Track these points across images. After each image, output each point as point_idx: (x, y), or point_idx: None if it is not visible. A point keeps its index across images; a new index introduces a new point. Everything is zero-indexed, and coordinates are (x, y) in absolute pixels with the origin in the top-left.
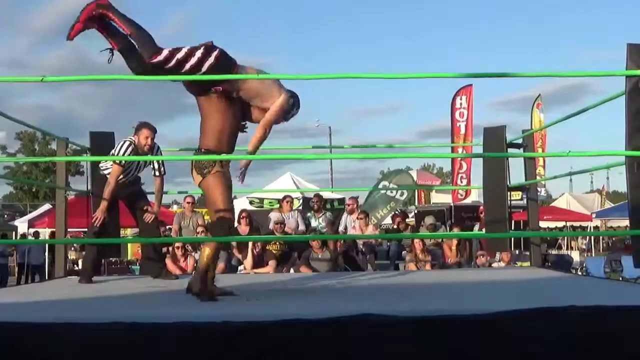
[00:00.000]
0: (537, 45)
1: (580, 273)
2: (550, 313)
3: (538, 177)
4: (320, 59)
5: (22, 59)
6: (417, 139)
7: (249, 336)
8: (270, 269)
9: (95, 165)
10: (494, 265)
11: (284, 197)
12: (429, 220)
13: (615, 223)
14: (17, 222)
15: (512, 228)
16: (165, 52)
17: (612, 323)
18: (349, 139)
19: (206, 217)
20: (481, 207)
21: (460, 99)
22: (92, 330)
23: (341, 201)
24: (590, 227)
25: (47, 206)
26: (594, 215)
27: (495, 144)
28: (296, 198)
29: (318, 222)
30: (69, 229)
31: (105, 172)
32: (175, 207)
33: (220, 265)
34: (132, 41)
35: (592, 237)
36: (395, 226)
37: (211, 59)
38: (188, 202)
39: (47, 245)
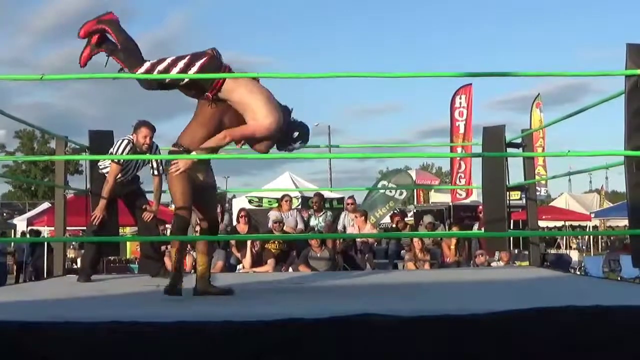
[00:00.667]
0: (537, 45)
1: (578, 273)
2: (549, 312)
3: (538, 177)
4: (320, 59)
5: (23, 57)
6: (416, 138)
7: (249, 336)
8: (269, 267)
9: (94, 164)
10: (493, 264)
11: (283, 196)
12: (428, 219)
13: (614, 223)
14: (16, 221)
15: (511, 227)
16: (146, 65)
17: (611, 323)
18: (349, 138)
19: None
20: (480, 207)
21: (460, 98)
22: (91, 329)
23: (340, 200)
24: (589, 227)
25: (46, 205)
26: (592, 215)
27: (495, 143)
28: (295, 197)
29: (318, 221)
30: (67, 228)
31: (104, 171)
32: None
33: (219, 263)
34: (120, 52)
35: (591, 237)
36: (394, 225)
37: (194, 68)
38: None
39: (46, 244)
